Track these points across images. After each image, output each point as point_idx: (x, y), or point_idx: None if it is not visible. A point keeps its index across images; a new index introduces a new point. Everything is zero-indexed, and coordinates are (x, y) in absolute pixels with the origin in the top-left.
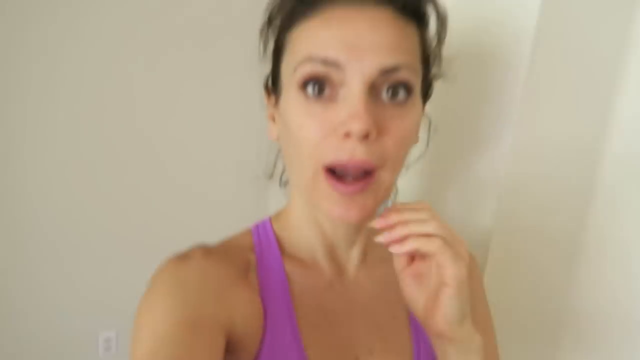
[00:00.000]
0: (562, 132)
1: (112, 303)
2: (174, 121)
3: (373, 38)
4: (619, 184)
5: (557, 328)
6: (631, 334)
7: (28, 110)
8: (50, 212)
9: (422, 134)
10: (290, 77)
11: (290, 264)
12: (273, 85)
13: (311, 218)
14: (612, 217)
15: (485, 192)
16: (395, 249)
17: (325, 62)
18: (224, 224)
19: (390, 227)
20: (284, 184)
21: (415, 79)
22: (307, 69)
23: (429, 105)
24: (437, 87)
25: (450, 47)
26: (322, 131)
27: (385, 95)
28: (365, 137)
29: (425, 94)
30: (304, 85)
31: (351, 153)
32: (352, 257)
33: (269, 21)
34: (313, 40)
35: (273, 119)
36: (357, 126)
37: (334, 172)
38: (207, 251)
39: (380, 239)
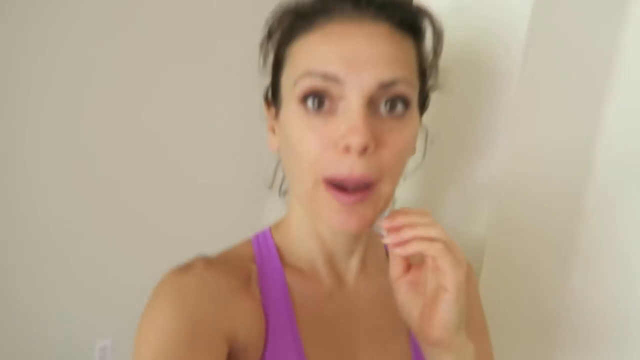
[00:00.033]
0: (557, 136)
1: (107, 311)
2: (172, 128)
3: (371, 53)
4: (614, 187)
5: (554, 329)
6: (629, 334)
7: (28, 110)
8: (47, 219)
9: (419, 144)
10: (290, 90)
11: (291, 274)
12: (273, 98)
13: (311, 228)
14: (607, 221)
15: (481, 197)
16: (399, 251)
17: (325, 76)
18: (221, 233)
19: (397, 229)
20: (283, 193)
21: (412, 92)
22: (307, 83)
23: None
24: (432, 96)
25: (444, 57)
26: (322, 144)
27: (383, 108)
28: (364, 150)
29: (422, 106)
30: (304, 99)
31: (350, 168)
32: (351, 267)
33: (269, 35)
34: (313, 55)
35: (273, 131)
36: (357, 140)
37: (334, 183)
38: (208, 262)
39: (387, 240)
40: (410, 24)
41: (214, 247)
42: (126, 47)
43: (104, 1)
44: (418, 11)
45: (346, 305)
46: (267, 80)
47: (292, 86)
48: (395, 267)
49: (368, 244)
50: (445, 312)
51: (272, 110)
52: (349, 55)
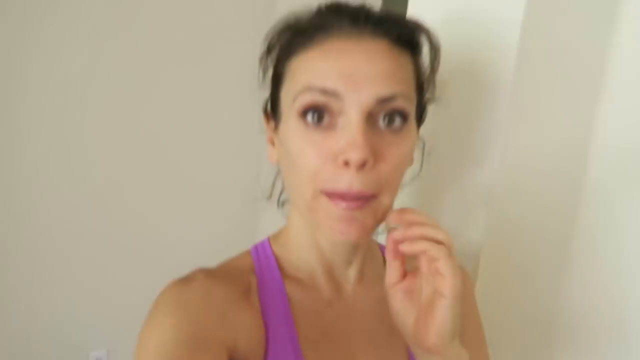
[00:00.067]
0: (552, 145)
1: (102, 321)
2: (172, 129)
3: (369, 69)
4: (611, 189)
5: (553, 330)
6: (627, 334)
7: (28, 110)
8: (47, 219)
9: (416, 155)
10: (290, 105)
11: (291, 285)
12: (272, 111)
13: (310, 238)
14: (604, 222)
15: (477, 204)
16: (405, 247)
17: (324, 92)
18: (220, 233)
19: (407, 223)
20: (281, 204)
21: (410, 106)
22: (307, 98)
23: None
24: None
25: (439, 68)
26: (321, 158)
27: (381, 122)
28: (363, 165)
29: (420, 118)
30: (303, 113)
31: (349, 184)
32: (350, 277)
33: (268, 50)
34: (312, 71)
35: (272, 143)
36: (356, 155)
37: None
38: (208, 273)
39: (397, 234)
40: (408, 39)
41: (214, 247)
42: (126, 47)
43: (104, 1)
44: (415, 27)
45: (345, 315)
46: (266, 91)
47: (291, 101)
48: (392, 273)
49: (366, 254)
50: (441, 318)
51: (272, 123)
52: (348, 72)
